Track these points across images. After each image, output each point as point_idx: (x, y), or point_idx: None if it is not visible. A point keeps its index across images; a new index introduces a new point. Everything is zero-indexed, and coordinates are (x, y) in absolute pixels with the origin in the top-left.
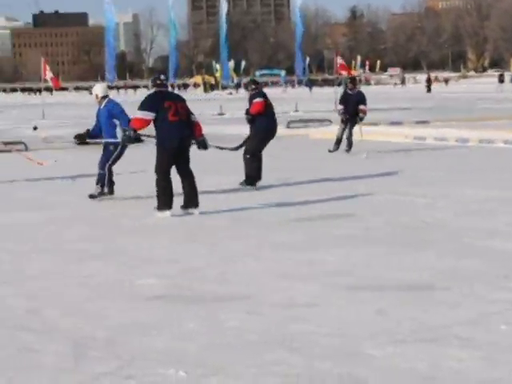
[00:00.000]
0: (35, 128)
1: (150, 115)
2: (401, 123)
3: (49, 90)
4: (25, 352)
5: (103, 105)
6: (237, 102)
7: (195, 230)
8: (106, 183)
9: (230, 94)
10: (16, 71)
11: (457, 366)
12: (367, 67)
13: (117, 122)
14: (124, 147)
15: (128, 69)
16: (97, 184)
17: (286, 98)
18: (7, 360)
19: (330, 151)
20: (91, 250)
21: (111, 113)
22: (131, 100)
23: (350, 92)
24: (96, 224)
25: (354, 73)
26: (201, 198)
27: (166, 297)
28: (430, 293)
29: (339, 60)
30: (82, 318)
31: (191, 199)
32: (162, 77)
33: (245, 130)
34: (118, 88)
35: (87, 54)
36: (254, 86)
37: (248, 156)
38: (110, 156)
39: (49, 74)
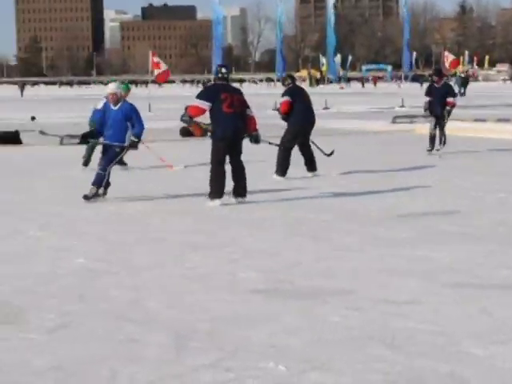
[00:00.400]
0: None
1: (205, 104)
2: (509, 120)
3: (156, 82)
4: (127, 343)
5: (118, 106)
6: (344, 97)
7: (297, 224)
8: (102, 184)
9: (342, 88)
10: (124, 64)
11: None
12: (475, 63)
13: (129, 124)
14: (126, 151)
15: (234, 62)
16: (93, 185)
17: (391, 94)
18: (110, 351)
19: (428, 151)
20: (194, 241)
21: (127, 115)
22: None
23: (435, 85)
24: (198, 216)
25: (460, 68)
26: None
27: (267, 290)
28: None
29: (451, 56)
30: (184, 310)
31: (239, 190)
32: (224, 70)
33: (349, 125)
34: None
35: (194, 48)
36: (289, 81)
37: (282, 148)
38: (114, 158)
39: (163, 66)
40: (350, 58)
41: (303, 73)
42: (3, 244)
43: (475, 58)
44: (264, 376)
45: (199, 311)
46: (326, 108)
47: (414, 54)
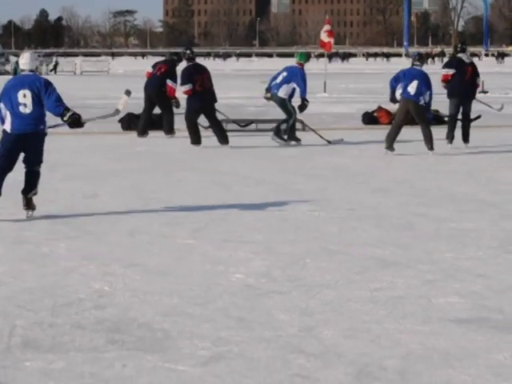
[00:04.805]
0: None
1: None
2: None
3: (335, 56)
4: (296, 379)
5: None
6: None
7: (510, 237)
8: None
9: None
10: (294, 32)
11: None
12: None
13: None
14: None
15: (431, 32)
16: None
17: None
18: None
19: None
20: (381, 256)
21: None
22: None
23: None
24: (385, 224)
25: None
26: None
27: (471, 320)
28: None
29: None
30: (367, 342)
31: (222, 138)
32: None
33: None
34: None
35: (382, 13)
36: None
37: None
38: None
39: (323, 36)
40: None
41: None
42: (147, 253)
43: None
44: None
45: (386, 344)
46: None
47: None
